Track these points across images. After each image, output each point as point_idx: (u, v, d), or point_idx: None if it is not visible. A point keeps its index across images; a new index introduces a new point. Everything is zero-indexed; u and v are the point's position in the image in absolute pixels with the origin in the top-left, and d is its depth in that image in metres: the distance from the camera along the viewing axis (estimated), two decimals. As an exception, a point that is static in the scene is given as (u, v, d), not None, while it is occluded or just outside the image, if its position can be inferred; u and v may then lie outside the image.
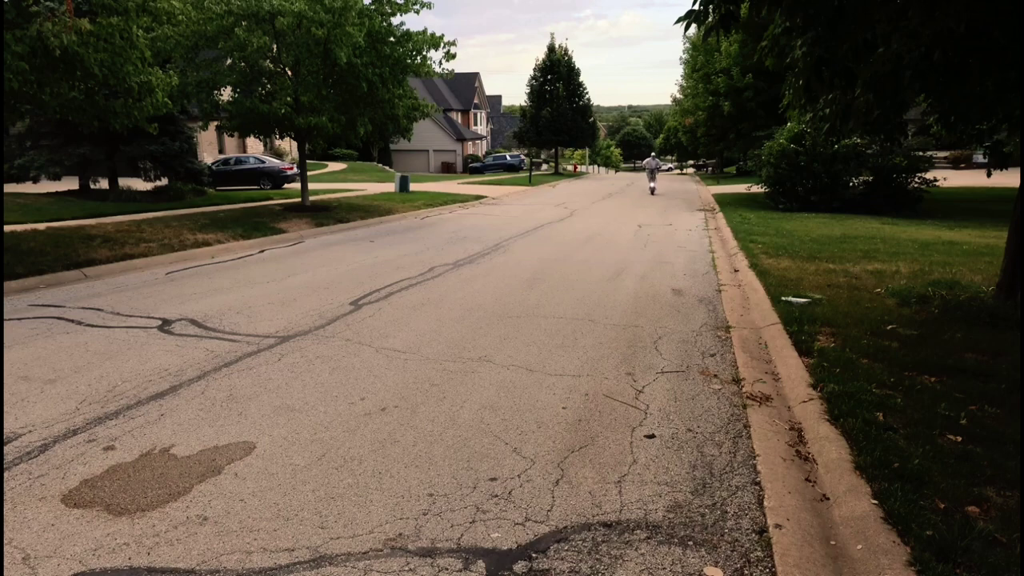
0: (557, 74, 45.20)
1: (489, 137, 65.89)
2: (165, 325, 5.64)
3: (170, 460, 3.13)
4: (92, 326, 5.64)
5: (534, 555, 2.37)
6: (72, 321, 5.81)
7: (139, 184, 18.19)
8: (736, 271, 8.33)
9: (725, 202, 19.77)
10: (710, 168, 51.30)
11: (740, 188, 24.33)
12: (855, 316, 5.45)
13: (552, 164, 52.76)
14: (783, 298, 6.18)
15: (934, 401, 3.53)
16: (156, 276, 8.15)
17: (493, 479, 2.94)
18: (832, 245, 9.87)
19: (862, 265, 8.05)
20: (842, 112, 5.47)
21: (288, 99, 13.24)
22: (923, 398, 3.59)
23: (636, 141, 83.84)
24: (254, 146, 34.35)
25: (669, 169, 69.50)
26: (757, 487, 2.87)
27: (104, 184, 18.10)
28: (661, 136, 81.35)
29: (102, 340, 5.17)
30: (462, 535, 2.50)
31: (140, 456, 3.17)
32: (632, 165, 79.13)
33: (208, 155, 28.24)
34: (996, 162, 6.46)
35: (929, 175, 16.34)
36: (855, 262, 8.28)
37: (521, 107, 50.46)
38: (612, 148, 67.67)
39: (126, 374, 4.35)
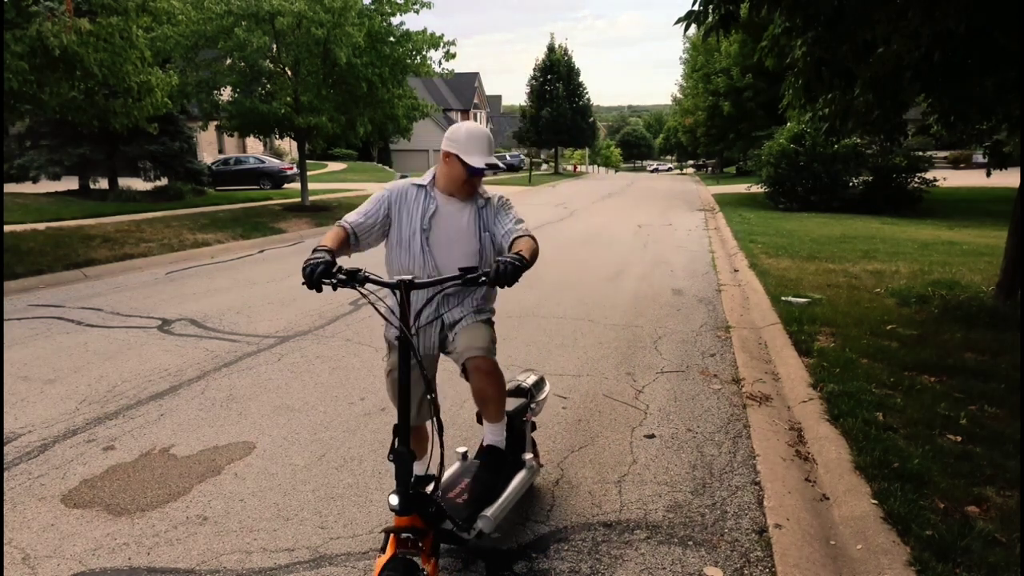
0: (557, 74, 45.22)
1: (489, 137, 65.76)
2: (165, 325, 5.63)
3: (170, 460, 3.13)
4: (92, 326, 5.63)
5: (534, 555, 2.37)
6: (72, 321, 5.81)
7: (139, 184, 18.19)
8: (736, 271, 8.33)
9: (725, 202, 19.77)
10: (710, 168, 51.32)
11: (740, 188, 24.33)
12: (855, 316, 5.45)
13: (552, 164, 52.77)
14: (783, 298, 6.18)
15: (934, 401, 3.53)
16: (156, 276, 8.15)
17: (493, 479, 2.93)
18: (832, 245, 9.88)
19: (862, 265, 8.05)
20: (842, 112, 5.47)
21: (288, 99, 13.25)
22: (923, 398, 3.58)
23: (636, 141, 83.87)
24: (254, 146, 34.34)
25: (669, 169, 69.53)
26: (757, 487, 2.87)
27: (104, 184, 18.10)
28: (661, 136, 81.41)
29: (102, 340, 5.17)
30: (462, 535, 2.49)
31: (140, 456, 3.17)
32: (632, 165, 79.12)
33: (208, 155, 28.24)
34: (996, 162, 6.46)
35: (929, 175, 16.35)
36: (855, 262, 8.28)
37: (521, 107, 50.49)
38: (612, 148, 67.70)
39: (126, 374, 4.35)
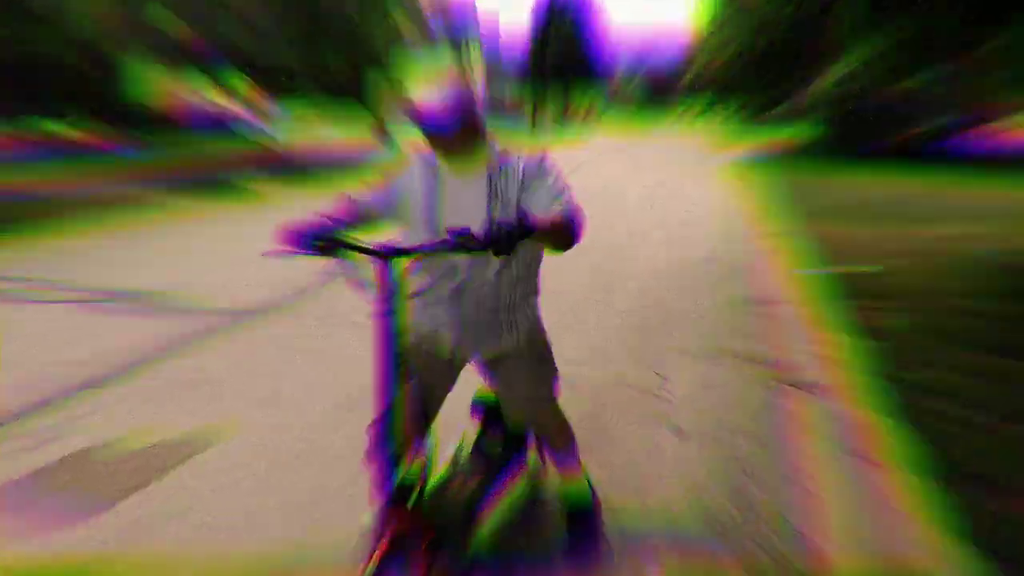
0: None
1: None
2: (120, 299, 4.93)
3: (128, 451, 2.77)
4: (29, 301, 4.87)
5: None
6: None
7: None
8: (777, 235, 7.49)
9: (765, 153, 18.46)
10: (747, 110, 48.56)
11: (783, 137, 22.74)
12: (921, 289, 4.73)
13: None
14: (834, 267, 5.45)
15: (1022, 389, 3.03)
16: (111, 241, 7.08)
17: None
18: (896, 205, 8.87)
19: (936, 228, 7.10)
20: (919, 40, 4.53)
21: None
22: (1006, 387, 3.08)
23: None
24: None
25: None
26: (799, 488, 2.48)
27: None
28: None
29: (42, 317, 4.52)
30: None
31: (90, 448, 2.80)
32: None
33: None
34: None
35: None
36: (926, 224, 7.33)
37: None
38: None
39: (69, 356, 3.80)
